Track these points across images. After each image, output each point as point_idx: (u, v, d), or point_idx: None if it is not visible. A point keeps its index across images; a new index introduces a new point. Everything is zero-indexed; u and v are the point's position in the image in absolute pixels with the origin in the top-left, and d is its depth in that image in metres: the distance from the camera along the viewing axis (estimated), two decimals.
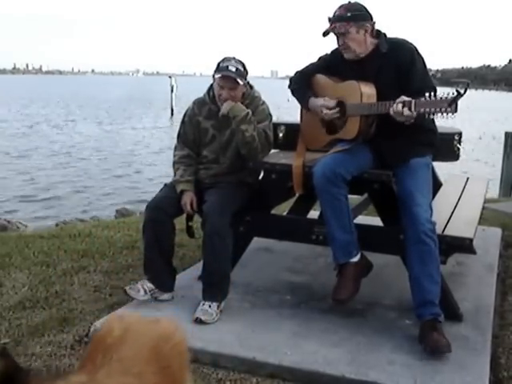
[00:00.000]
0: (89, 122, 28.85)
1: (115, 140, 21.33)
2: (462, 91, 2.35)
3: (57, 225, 6.56)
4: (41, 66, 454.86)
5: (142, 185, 12.70)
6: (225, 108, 3.06)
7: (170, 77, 34.92)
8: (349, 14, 2.82)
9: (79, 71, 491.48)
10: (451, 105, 2.38)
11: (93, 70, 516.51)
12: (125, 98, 54.74)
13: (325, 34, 2.90)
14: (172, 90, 32.99)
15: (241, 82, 3.07)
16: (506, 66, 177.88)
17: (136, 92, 74.87)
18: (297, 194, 3.35)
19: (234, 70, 3.04)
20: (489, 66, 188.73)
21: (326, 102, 2.95)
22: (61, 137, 21.58)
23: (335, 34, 2.88)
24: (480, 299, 3.28)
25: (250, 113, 3.05)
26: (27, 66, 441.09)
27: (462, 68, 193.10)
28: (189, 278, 3.47)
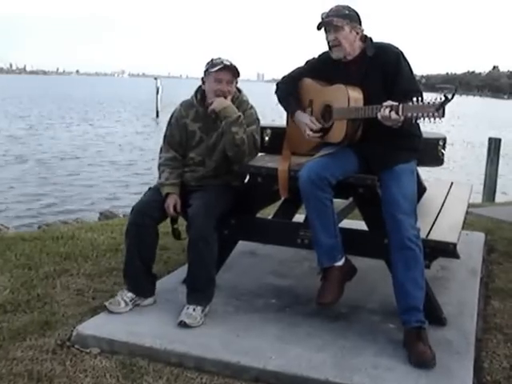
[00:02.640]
0: (75, 123, 28.60)
1: (99, 141, 21.18)
2: (449, 96, 2.36)
3: (39, 227, 6.50)
4: (25, 66, 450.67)
5: (126, 186, 12.62)
6: (217, 104, 3.04)
7: (155, 78, 34.87)
8: (346, 12, 2.86)
9: (64, 71, 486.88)
10: (439, 109, 2.39)
11: (77, 71, 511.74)
12: (110, 99, 54.43)
13: (319, 26, 2.90)
14: (157, 92, 32.92)
15: (238, 74, 3.10)
16: (490, 72, 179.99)
17: (121, 93, 74.49)
18: (282, 198, 3.34)
19: (229, 63, 3.06)
20: (473, 72, 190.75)
21: (311, 122, 2.95)
22: (47, 139, 21.34)
23: (327, 29, 2.88)
24: (463, 303, 3.30)
25: (242, 116, 3.05)
26: (11, 65, 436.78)
27: (447, 74, 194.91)
28: (173, 281, 3.45)
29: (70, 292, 3.41)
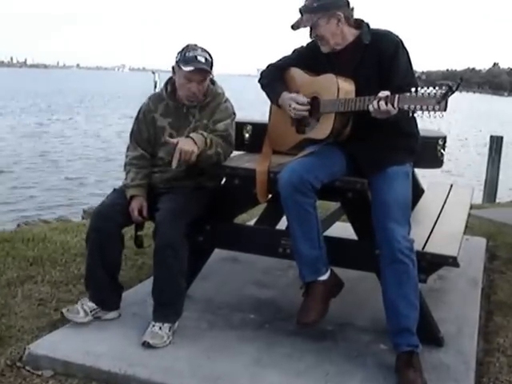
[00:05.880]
0: (78, 119, 28.11)
1: (95, 139, 20.79)
2: (454, 87, 2.04)
3: (18, 225, 6.22)
4: (25, 60, 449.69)
5: (116, 184, 12.30)
6: (186, 156, 2.60)
7: (153, 72, 34.53)
8: (315, 5, 2.50)
9: (64, 65, 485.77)
10: (440, 102, 2.06)
11: (78, 65, 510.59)
12: (108, 94, 54.04)
13: (293, 27, 2.58)
14: (155, 86, 32.60)
15: (211, 72, 2.77)
16: (490, 69, 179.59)
17: (120, 87, 74.02)
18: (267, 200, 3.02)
19: (203, 60, 2.72)
20: (473, 68, 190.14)
21: (297, 96, 2.64)
22: (43, 136, 20.95)
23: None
24: (463, 319, 2.99)
25: (205, 134, 2.70)
26: (11, 59, 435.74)
27: (447, 70, 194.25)
28: (143, 291, 3.09)
29: (31, 302, 3.11)
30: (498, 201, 8.21)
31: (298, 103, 2.61)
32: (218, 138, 2.74)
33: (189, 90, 2.76)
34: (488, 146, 8.59)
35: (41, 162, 14.98)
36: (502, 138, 8.43)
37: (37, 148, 17.36)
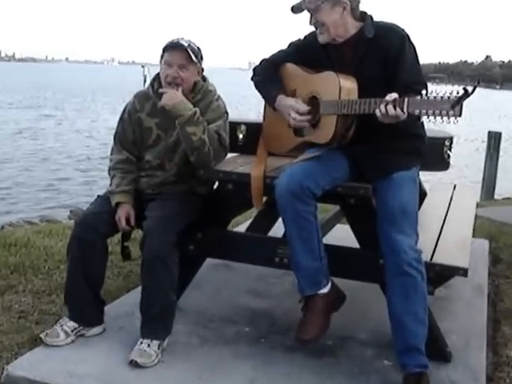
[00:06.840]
0: (60, 114, 27.63)
1: (85, 135, 20.39)
2: (470, 90, 1.86)
3: (2, 227, 6.00)
4: (14, 54, 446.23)
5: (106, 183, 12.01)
6: (165, 100, 2.48)
7: (142, 66, 34.07)
8: None
9: (53, 59, 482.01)
10: (455, 106, 1.88)
11: (67, 59, 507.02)
12: (98, 88, 53.46)
13: (294, 9, 2.39)
14: (145, 80, 32.22)
15: (194, 59, 2.54)
16: (482, 62, 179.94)
17: (109, 82, 73.25)
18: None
19: (185, 44, 2.53)
20: (465, 61, 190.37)
21: (297, 103, 2.43)
22: (32, 132, 20.55)
23: (308, 10, 2.37)
24: (470, 330, 2.83)
25: (198, 112, 2.50)
26: (0, 52, 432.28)
27: (439, 63, 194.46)
28: (131, 302, 2.89)
29: (11, 314, 2.92)
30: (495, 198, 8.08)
31: (298, 112, 2.40)
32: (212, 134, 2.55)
33: (168, 76, 2.55)
34: (486, 142, 8.44)
35: (30, 159, 14.66)
36: (500, 133, 8.27)
37: (25, 144, 17.00)
